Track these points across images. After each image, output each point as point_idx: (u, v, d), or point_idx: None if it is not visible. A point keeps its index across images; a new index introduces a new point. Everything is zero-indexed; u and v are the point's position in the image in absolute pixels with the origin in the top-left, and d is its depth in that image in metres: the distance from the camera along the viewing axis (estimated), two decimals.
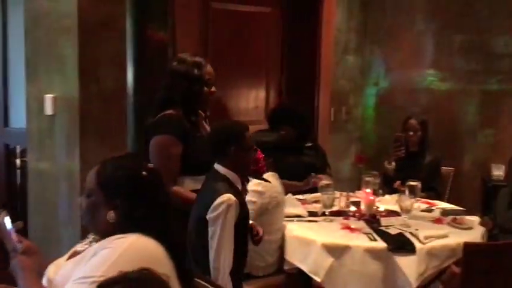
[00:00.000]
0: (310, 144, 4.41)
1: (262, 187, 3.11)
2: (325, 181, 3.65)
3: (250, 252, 3.15)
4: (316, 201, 3.69)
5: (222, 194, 2.51)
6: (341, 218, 3.41)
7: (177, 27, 4.01)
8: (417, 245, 2.95)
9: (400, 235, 3.08)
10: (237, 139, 2.62)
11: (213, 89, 2.95)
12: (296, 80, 5.01)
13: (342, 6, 5.16)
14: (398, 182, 4.08)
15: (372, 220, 3.35)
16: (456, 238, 3.04)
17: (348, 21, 5.26)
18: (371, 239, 3.03)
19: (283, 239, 3.17)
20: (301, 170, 4.08)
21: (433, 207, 3.74)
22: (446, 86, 5.27)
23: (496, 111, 5.21)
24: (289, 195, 3.71)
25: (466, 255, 2.65)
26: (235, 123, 2.87)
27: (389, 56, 5.41)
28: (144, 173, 1.76)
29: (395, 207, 3.50)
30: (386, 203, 3.74)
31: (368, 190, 3.58)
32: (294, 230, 3.20)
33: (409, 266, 2.88)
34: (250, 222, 2.78)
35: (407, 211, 3.32)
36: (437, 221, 3.41)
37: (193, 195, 2.73)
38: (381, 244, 2.97)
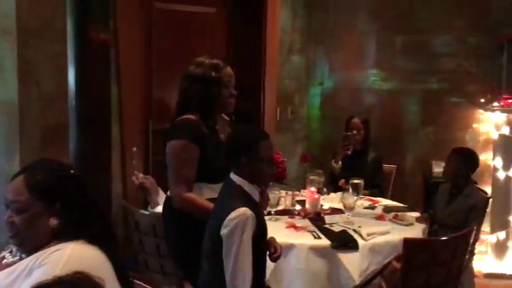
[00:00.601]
0: None
1: None
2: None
3: None
4: None
5: (236, 207, 2.28)
6: (286, 216, 3.46)
7: (119, 27, 3.96)
8: (360, 241, 3.01)
9: (344, 232, 3.14)
10: (248, 149, 2.39)
11: (233, 91, 2.81)
12: (242, 80, 4.98)
13: (286, 6, 5.21)
14: (342, 180, 4.15)
15: (317, 218, 3.40)
16: (398, 234, 3.11)
17: (293, 22, 5.32)
18: (315, 237, 3.08)
19: None
20: None
21: (376, 204, 3.82)
22: (388, 85, 5.39)
23: (437, 109, 5.37)
24: None
25: (406, 250, 2.73)
26: (250, 131, 2.55)
27: (333, 56, 5.49)
28: (72, 171, 1.74)
29: (340, 205, 3.56)
30: (331, 201, 3.81)
31: (313, 189, 3.63)
32: None
33: (352, 262, 2.93)
34: (268, 237, 2.57)
35: (350, 209, 3.40)
36: (379, 217, 3.49)
37: (209, 205, 2.57)
38: (325, 242, 3.01)
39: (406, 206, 3.85)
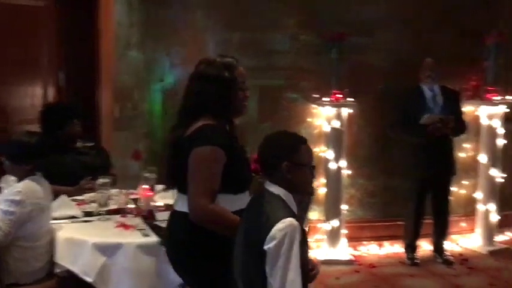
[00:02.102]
0: (91, 144, 4.31)
1: (21, 196, 3.01)
2: (101, 179, 3.57)
3: (15, 261, 3.01)
4: (94, 201, 3.61)
5: (281, 218, 2.06)
6: (118, 216, 3.39)
7: None
8: None
9: None
10: (290, 153, 2.19)
11: (247, 93, 2.60)
12: (76, 76, 4.85)
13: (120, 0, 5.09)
14: None
15: (149, 216, 3.36)
16: None
17: (129, 16, 5.19)
18: (144, 235, 3.04)
19: (52, 243, 3.07)
20: (79, 170, 3.96)
21: None
22: None
23: (273, 105, 5.53)
24: (63, 196, 3.59)
25: None
26: (289, 135, 2.32)
27: (172, 52, 5.45)
28: None
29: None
30: (167, 197, 3.78)
31: (146, 186, 3.58)
32: (65, 232, 3.11)
33: None
34: None
35: None
36: None
37: (237, 219, 2.32)
38: (153, 239, 2.98)
39: None
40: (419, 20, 5.70)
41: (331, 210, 5.23)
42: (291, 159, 2.18)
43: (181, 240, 2.48)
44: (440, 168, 5.05)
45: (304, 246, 2.11)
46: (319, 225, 5.40)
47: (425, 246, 5.42)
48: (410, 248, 5.21)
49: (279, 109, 5.54)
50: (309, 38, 5.52)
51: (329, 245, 5.18)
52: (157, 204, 3.58)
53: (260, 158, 2.26)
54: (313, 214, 5.51)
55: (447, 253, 5.25)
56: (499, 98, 5.55)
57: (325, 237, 5.25)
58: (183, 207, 2.45)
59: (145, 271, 2.93)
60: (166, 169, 2.59)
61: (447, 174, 5.16)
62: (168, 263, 2.89)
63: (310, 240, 5.19)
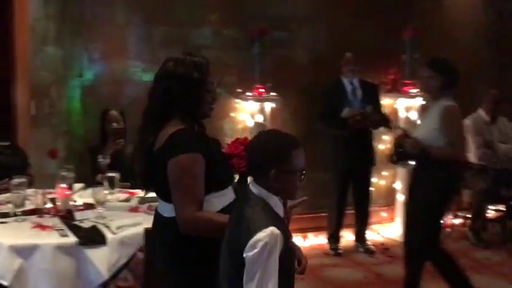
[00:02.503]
0: (7, 143, 4.15)
1: None
2: (17, 180, 3.44)
3: None
4: (9, 202, 3.47)
5: (263, 226, 1.94)
6: (35, 216, 3.28)
7: None
8: (109, 235, 2.95)
9: (93, 228, 3.05)
10: (280, 160, 2.04)
11: (216, 95, 2.47)
12: None
13: None
14: (100, 175, 4.07)
15: (67, 216, 3.27)
16: (149, 225, 3.08)
17: (45, 9, 5.01)
18: (62, 235, 2.95)
19: None
20: None
21: (132, 197, 3.78)
22: (149, 77, 5.36)
23: None
24: None
25: (147, 240, 2.74)
26: (280, 139, 2.11)
27: (92, 47, 5.31)
28: None
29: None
30: (87, 196, 3.69)
31: (63, 185, 3.48)
32: None
33: (100, 258, 2.87)
34: None
35: (101, 203, 3.32)
36: (133, 210, 3.47)
37: (226, 219, 2.19)
38: (71, 239, 2.91)
39: None
40: (340, 16, 5.82)
41: None
42: (279, 167, 2.03)
43: (173, 245, 2.36)
44: (360, 160, 5.18)
45: (287, 253, 2.01)
46: None
47: (348, 237, 5.54)
48: (334, 238, 5.32)
49: None
50: (232, 33, 5.53)
51: None
52: (76, 203, 3.49)
53: (248, 159, 2.15)
54: None
55: (369, 243, 5.39)
56: (415, 90, 5.74)
57: None
58: (168, 213, 2.36)
59: (64, 272, 2.85)
60: (138, 175, 2.45)
61: (367, 166, 5.29)
62: (88, 263, 2.85)
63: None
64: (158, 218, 2.47)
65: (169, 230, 2.33)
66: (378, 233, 5.82)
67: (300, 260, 2.27)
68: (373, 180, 5.57)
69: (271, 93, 5.31)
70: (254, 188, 2.08)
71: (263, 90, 5.26)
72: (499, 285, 4.56)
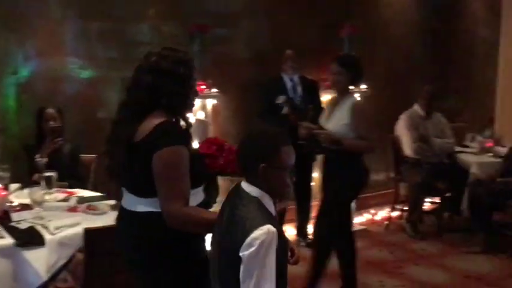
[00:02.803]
0: None
1: None
2: None
3: None
4: None
5: (259, 224, 1.95)
6: None
7: None
8: (47, 236, 2.89)
9: (31, 229, 2.97)
10: (268, 156, 2.05)
11: (197, 92, 2.46)
12: None
13: None
14: (36, 175, 3.96)
15: (3, 216, 3.17)
16: (89, 225, 3.05)
17: None
18: None
19: None
20: None
21: (71, 196, 3.71)
22: (86, 73, 5.27)
23: None
24: None
25: (87, 240, 2.70)
26: (269, 135, 2.13)
27: (27, 43, 5.14)
28: None
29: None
30: (23, 196, 3.59)
31: None
32: None
33: (38, 259, 2.81)
34: None
35: (38, 203, 3.24)
36: (72, 209, 3.41)
37: (211, 215, 2.21)
38: (8, 241, 2.83)
39: (103, 195, 3.82)
40: (280, 12, 5.86)
41: None
42: (268, 162, 2.05)
43: (151, 241, 2.30)
44: (301, 156, 5.22)
45: (282, 248, 2.03)
46: None
47: (289, 231, 5.60)
48: None
49: None
50: (171, 29, 5.47)
51: None
52: (12, 204, 3.39)
53: (238, 157, 2.15)
54: None
55: (310, 237, 5.46)
56: (353, 87, 5.84)
57: None
58: (142, 208, 2.30)
59: (2, 275, 2.80)
60: (114, 168, 2.35)
61: (308, 161, 5.36)
62: (26, 265, 2.77)
63: None
64: (126, 213, 2.38)
65: (145, 225, 2.30)
66: None
67: (292, 251, 2.30)
68: (314, 175, 5.64)
69: (213, 90, 5.30)
70: (247, 187, 2.09)
71: (204, 87, 5.24)
72: (435, 275, 4.71)
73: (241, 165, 2.13)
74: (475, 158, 5.73)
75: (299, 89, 5.29)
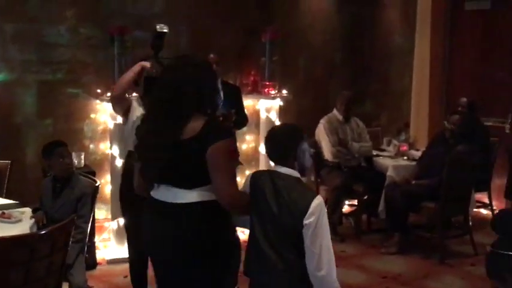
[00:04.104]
0: None
1: None
2: None
3: None
4: None
5: (313, 196, 2.55)
6: None
7: None
8: None
9: None
10: (299, 143, 2.66)
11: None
12: None
13: None
14: None
15: None
16: (4, 233, 2.95)
17: None
18: None
19: None
20: None
21: None
22: (0, 76, 5.08)
23: (54, 101, 5.28)
24: None
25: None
26: (294, 127, 2.80)
27: None
28: None
29: None
30: None
31: None
32: None
33: None
34: None
35: None
36: None
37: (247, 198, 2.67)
38: None
39: (17, 202, 3.68)
40: (200, 15, 5.85)
41: (118, 208, 5.12)
42: (296, 149, 2.64)
43: (204, 228, 2.55)
44: None
45: None
46: (106, 224, 5.29)
47: None
48: None
49: (60, 105, 5.29)
50: (90, 31, 5.35)
51: (117, 243, 5.09)
52: None
53: (273, 146, 2.68)
54: (100, 213, 5.39)
55: None
56: (274, 92, 5.92)
57: (112, 235, 5.14)
58: (192, 198, 2.54)
59: None
60: (156, 169, 2.56)
61: None
62: None
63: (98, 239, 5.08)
64: (172, 206, 2.56)
65: (195, 212, 2.54)
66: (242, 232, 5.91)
67: None
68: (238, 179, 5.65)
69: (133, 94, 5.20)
70: (285, 171, 2.63)
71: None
72: (354, 276, 4.82)
73: (276, 154, 2.68)
74: (391, 162, 5.90)
75: (221, 94, 5.30)
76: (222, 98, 5.23)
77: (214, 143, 2.50)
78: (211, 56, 5.32)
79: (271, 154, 2.72)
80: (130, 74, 3.09)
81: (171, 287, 2.67)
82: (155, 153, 2.54)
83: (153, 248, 2.65)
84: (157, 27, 3.61)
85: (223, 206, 2.53)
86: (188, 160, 2.52)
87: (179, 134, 2.52)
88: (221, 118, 4.96)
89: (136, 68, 3.09)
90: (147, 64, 3.09)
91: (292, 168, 2.64)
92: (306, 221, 2.47)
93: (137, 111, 3.21)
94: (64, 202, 3.63)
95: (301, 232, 2.49)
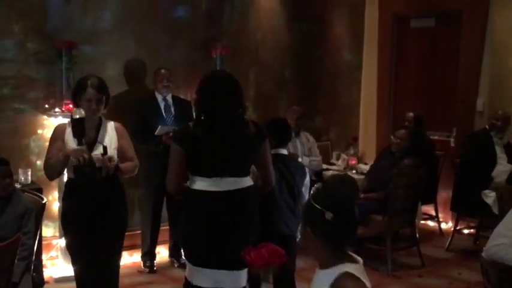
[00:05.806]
0: None
1: None
2: None
3: None
4: None
5: (305, 166, 4.27)
6: None
7: None
8: None
9: None
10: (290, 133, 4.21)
11: None
12: None
13: None
14: None
15: None
16: None
17: None
18: None
19: None
20: None
21: None
22: None
23: (0, 116, 5.15)
24: None
25: None
26: (283, 120, 4.35)
27: None
28: None
29: None
30: None
31: None
32: None
33: None
34: None
35: None
36: None
37: None
38: None
39: None
40: (150, 30, 5.84)
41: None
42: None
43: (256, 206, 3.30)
44: None
45: None
46: (54, 241, 5.18)
47: (162, 253, 5.54)
48: (149, 255, 5.28)
49: (6, 120, 5.17)
50: (37, 46, 5.26)
51: (65, 261, 4.98)
52: None
53: (273, 134, 3.73)
54: (48, 230, 5.27)
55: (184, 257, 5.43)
56: None
57: (59, 253, 5.03)
58: (246, 183, 3.23)
59: None
60: (230, 160, 3.14)
61: None
62: None
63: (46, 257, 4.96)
64: (232, 192, 3.14)
65: (255, 193, 3.29)
66: None
67: None
68: None
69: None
70: (283, 151, 3.99)
71: (72, 105, 5.06)
72: None
73: (279, 138, 3.94)
74: None
75: (172, 109, 5.29)
76: (174, 113, 5.25)
77: (265, 140, 3.30)
78: (163, 71, 5.32)
79: (271, 139, 3.66)
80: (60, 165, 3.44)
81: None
82: (229, 147, 3.13)
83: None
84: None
85: (268, 188, 3.42)
86: (250, 153, 3.24)
87: (246, 131, 3.29)
88: (171, 134, 4.97)
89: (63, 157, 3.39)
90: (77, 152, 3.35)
91: (286, 148, 4.06)
92: (303, 189, 4.01)
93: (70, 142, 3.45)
94: (7, 220, 3.54)
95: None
